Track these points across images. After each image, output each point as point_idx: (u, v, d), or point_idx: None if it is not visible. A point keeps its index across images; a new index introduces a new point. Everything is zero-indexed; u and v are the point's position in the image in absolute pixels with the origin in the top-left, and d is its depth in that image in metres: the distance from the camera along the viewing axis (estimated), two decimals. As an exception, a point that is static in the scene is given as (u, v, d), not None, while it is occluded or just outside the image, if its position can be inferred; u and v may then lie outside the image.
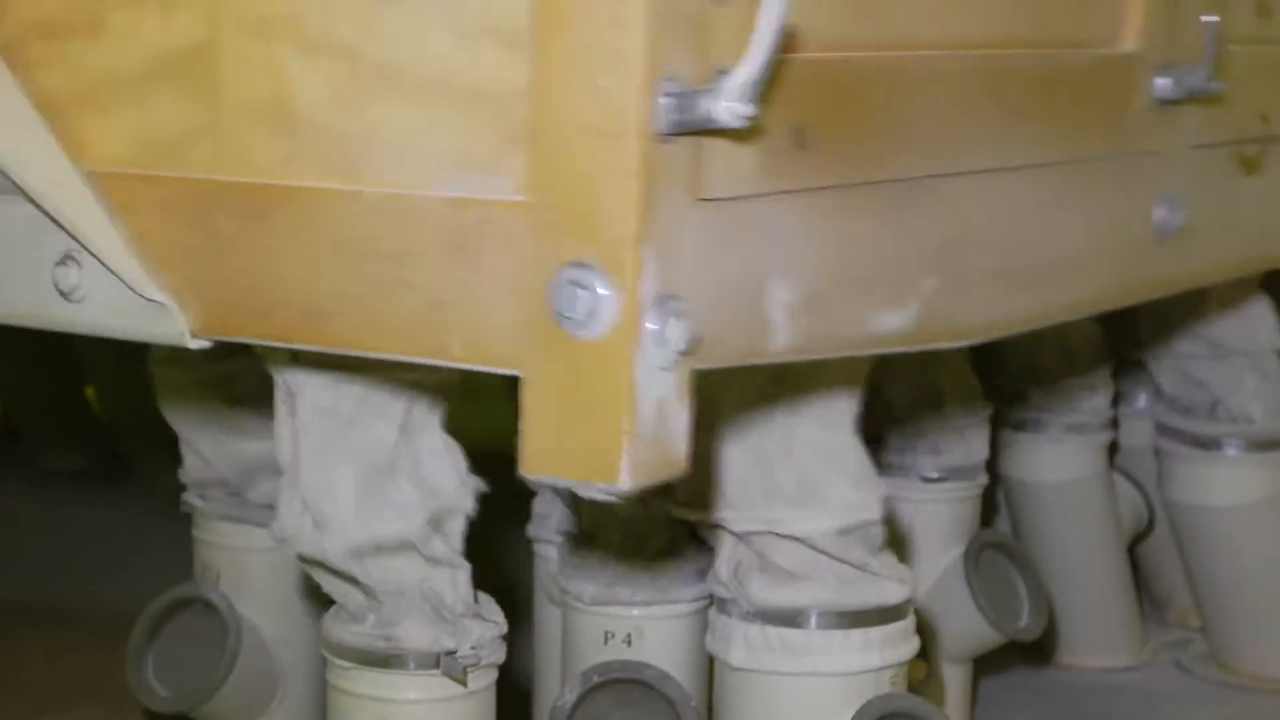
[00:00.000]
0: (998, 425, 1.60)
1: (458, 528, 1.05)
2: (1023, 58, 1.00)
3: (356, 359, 0.84)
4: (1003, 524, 1.72)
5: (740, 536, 1.07)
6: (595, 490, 0.75)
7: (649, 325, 0.74)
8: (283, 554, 1.37)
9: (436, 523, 1.03)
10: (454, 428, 1.06)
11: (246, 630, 1.32)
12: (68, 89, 0.87)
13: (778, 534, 1.06)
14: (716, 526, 1.08)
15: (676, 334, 0.74)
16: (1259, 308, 1.61)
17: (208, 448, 1.34)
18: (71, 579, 1.94)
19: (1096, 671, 1.71)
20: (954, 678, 1.50)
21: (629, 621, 1.24)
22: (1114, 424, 1.70)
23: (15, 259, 0.89)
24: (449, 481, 1.03)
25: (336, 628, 1.07)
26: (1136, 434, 1.74)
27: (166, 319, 0.84)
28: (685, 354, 0.75)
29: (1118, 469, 1.74)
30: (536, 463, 0.76)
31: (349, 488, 1.01)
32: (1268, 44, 1.25)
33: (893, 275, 0.90)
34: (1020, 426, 1.66)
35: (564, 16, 0.74)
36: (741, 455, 1.05)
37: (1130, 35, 1.10)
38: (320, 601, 1.22)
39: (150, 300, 0.84)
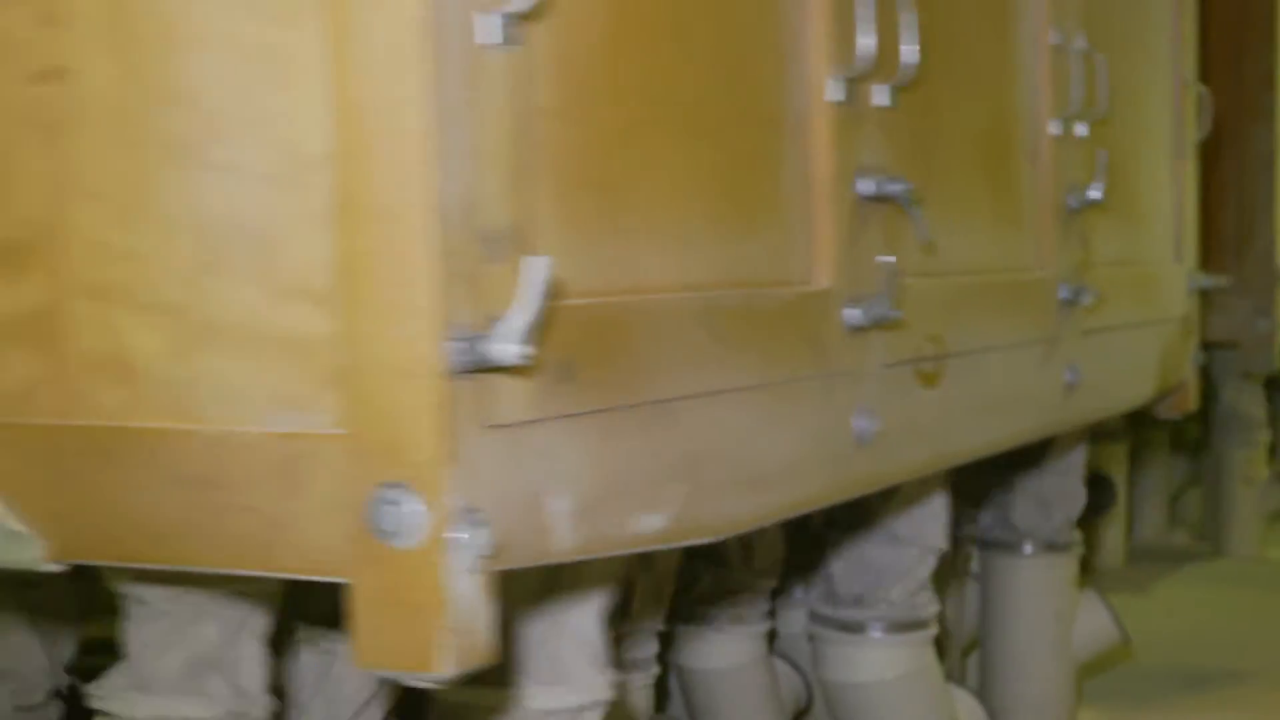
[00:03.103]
0: (669, 619, 1.76)
1: None
2: (733, 296, 1.15)
3: (196, 573, 0.95)
4: (676, 709, 1.89)
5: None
6: (420, 679, 0.87)
7: (456, 535, 0.87)
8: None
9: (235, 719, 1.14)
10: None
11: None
12: (-77, 350, 0.97)
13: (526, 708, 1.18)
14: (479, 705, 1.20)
15: (479, 541, 0.87)
16: (937, 505, 1.81)
17: None
18: None
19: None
20: None
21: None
22: (772, 614, 1.91)
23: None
24: (257, 688, 1.14)
25: None
26: (792, 622, 1.96)
27: (26, 546, 0.94)
28: (487, 558, 0.88)
29: (777, 653, 1.94)
30: (367, 658, 0.87)
31: (176, 667, 1.12)
32: (934, 276, 1.44)
33: (649, 484, 1.04)
34: (689, 619, 1.85)
35: (363, 277, 0.88)
36: (515, 641, 1.18)
37: (822, 274, 1.27)
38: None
39: (11, 530, 0.94)
